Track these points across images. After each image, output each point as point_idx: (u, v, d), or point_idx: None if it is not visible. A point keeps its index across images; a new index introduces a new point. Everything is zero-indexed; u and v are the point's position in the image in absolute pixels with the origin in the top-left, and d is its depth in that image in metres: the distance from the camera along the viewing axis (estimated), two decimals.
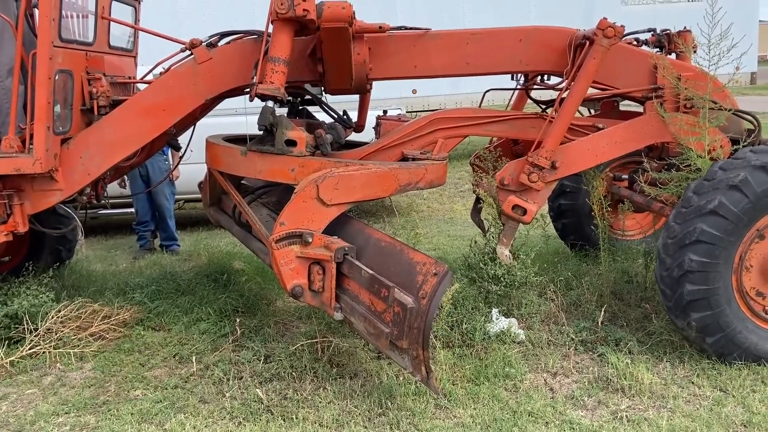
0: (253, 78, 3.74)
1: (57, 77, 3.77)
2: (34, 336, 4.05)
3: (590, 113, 5.05)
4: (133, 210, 7.27)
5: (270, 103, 3.73)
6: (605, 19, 3.84)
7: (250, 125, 4.48)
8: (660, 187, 4.22)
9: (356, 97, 4.72)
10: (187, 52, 4.10)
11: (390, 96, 10.87)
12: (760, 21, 15.61)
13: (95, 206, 6.41)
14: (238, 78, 4.10)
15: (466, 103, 12.63)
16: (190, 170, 6.32)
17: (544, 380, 3.65)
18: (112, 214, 8.04)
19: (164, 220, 6.86)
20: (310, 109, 4.81)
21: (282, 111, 4.09)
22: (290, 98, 4.43)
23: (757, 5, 13.58)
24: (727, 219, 3.49)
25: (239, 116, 5.78)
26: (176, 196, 7.18)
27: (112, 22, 4.50)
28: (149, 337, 4.32)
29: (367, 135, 5.00)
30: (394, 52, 4.23)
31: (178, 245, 6.94)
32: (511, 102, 5.23)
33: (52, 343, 4.07)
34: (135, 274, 5.74)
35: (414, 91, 12.42)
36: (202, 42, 4.06)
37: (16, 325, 4.09)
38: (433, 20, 6.81)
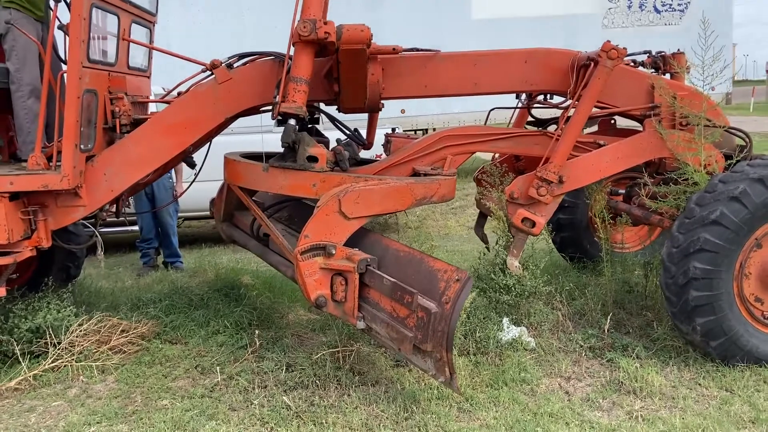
0: (275, 97, 3.90)
1: (84, 96, 3.89)
2: (57, 350, 4.11)
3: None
4: (129, 228, 7.34)
5: (292, 122, 3.88)
6: (609, 42, 4.08)
7: (266, 143, 4.63)
8: (659, 200, 4.45)
9: (364, 116, 4.89)
10: (207, 73, 4.26)
11: (380, 116, 11.10)
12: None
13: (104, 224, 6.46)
14: (256, 97, 4.25)
15: (454, 122, 12.93)
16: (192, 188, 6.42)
17: (559, 384, 3.81)
18: (107, 232, 8.07)
19: (168, 237, 6.94)
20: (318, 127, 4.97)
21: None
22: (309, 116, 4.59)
23: (731, 27, 14.16)
24: (728, 228, 3.71)
25: (253, 134, 5.93)
26: (179, 214, 7.27)
27: (130, 44, 4.63)
28: (168, 350, 4.40)
29: (374, 151, 5.17)
30: (406, 73, 4.42)
31: (182, 262, 7.01)
32: (513, 120, 5.45)
33: (74, 357, 4.13)
34: (144, 290, 5.80)
35: (402, 111, 12.68)
36: (222, 63, 4.22)
37: (38, 339, 4.15)
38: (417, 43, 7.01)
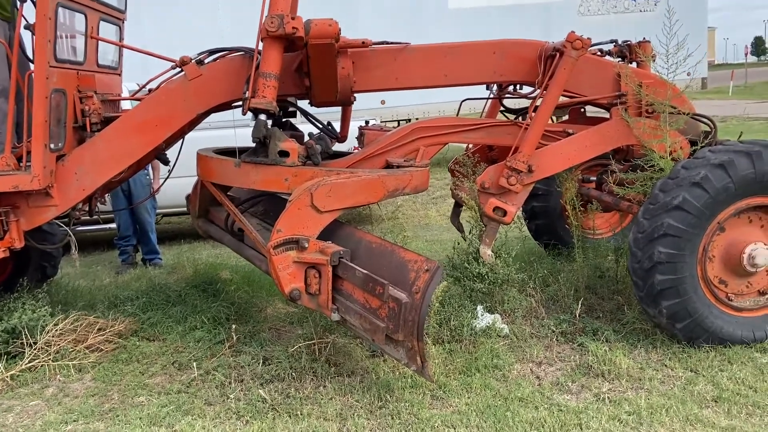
0: (245, 93, 3.92)
1: (52, 96, 3.88)
2: (33, 350, 4.12)
3: (554, 120, 5.33)
4: (107, 226, 7.33)
5: (263, 117, 3.90)
6: (573, 32, 4.14)
7: (238, 138, 4.65)
8: (627, 187, 4.53)
9: (338, 109, 4.93)
10: (177, 69, 4.26)
11: (360, 107, 11.13)
12: (708, 27, 16.41)
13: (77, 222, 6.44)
14: (227, 93, 4.26)
15: (434, 112, 12.99)
16: (168, 184, 6.42)
17: (530, 369, 3.90)
18: (85, 230, 8.04)
19: (146, 234, 6.94)
20: (293, 120, 4.99)
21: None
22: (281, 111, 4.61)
23: (706, 13, 14.32)
24: (690, 213, 3.80)
25: (226, 129, 5.94)
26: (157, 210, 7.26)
27: (99, 42, 4.61)
28: (145, 347, 4.42)
29: (348, 144, 5.21)
30: (376, 66, 4.45)
31: (161, 258, 7.02)
32: (485, 111, 5.51)
33: (51, 356, 4.14)
34: (122, 287, 5.81)
35: (383, 102, 12.70)
36: (191, 59, 4.22)
37: (14, 340, 4.15)
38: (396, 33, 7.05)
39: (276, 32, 3.75)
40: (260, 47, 3.92)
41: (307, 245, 3.57)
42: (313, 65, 4.14)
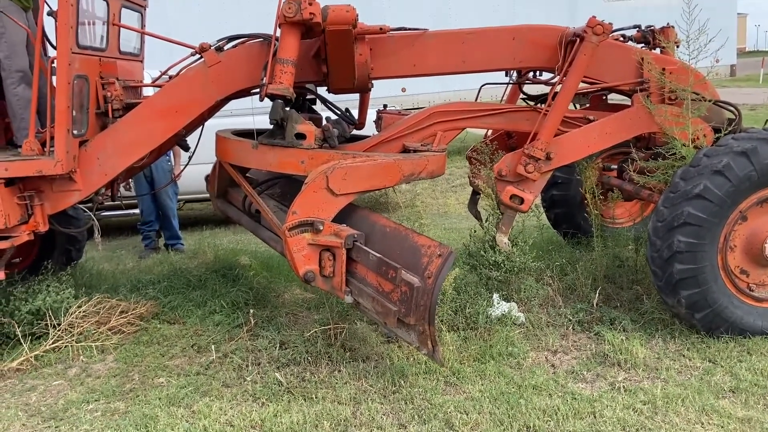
0: (262, 79, 3.94)
1: (75, 82, 3.95)
2: (57, 331, 4.23)
3: (575, 107, 5.27)
4: (131, 211, 7.46)
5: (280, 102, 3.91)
6: (594, 17, 4.08)
7: (257, 125, 4.68)
8: (648, 175, 4.47)
9: (356, 96, 4.93)
10: (197, 56, 4.30)
11: (380, 95, 11.11)
12: (738, 13, 16.01)
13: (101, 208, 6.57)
14: (246, 79, 4.29)
15: (455, 99, 12.91)
16: (190, 171, 6.49)
17: (545, 358, 3.89)
18: (110, 216, 8.19)
19: (168, 220, 7.04)
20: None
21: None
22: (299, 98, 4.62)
23: None
24: (711, 202, 3.74)
25: (246, 116, 5.97)
26: (178, 196, 7.35)
27: (121, 28, 4.67)
28: (166, 329, 4.50)
29: (368, 131, 5.20)
30: (393, 52, 4.44)
31: (183, 244, 7.12)
32: (505, 97, 5.46)
33: (74, 337, 4.24)
34: (144, 271, 5.92)
35: (403, 90, 12.67)
36: (211, 46, 4.25)
37: (39, 321, 4.26)
38: (417, 17, 7.02)
39: (293, 18, 3.76)
40: (278, 33, 3.93)
41: (321, 228, 3.59)
42: (331, 51, 4.14)
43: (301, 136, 3.89)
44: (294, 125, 3.89)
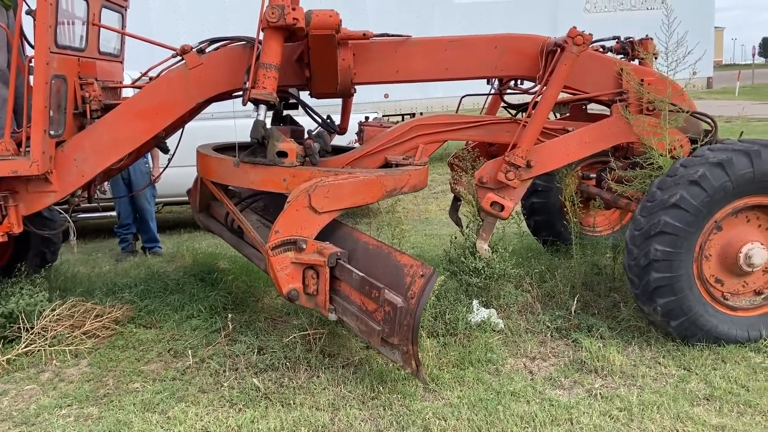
0: (245, 83, 3.92)
1: (52, 82, 3.89)
2: (30, 334, 4.15)
3: (555, 116, 5.32)
4: (108, 213, 7.35)
5: (261, 115, 3.88)
6: (575, 28, 4.12)
7: (238, 128, 4.66)
8: (626, 184, 4.53)
9: (338, 101, 4.92)
10: (178, 58, 4.27)
11: (363, 100, 11.12)
12: (715, 27, 16.32)
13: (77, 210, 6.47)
14: (227, 82, 4.26)
15: (437, 107, 12.98)
16: (168, 174, 6.42)
17: (524, 364, 3.90)
18: (86, 218, 8.06)
19: (146, 223, 6.95)
20: (294, 113, 4.99)
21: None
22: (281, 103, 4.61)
23: (713, 12, 14.23)
24: (687, 211, 3.80)
25: (227, 119, 5.94)
26: (156, 199, 7.27)
27: (101, 29, 4.62)
28: (142, 334, 4.45)
29: (350, 136, 5.20)
30: (377, 58, 4.45)
31: (161, 247, 7.04)
32: (486, 106, 5.50)
33: (48, 341, 4.16)
34: (121, 275, 5.84)
35: (386, 96, 12.68)
36: (192, 48, 4.22)
37: (11, 324, 4.18)
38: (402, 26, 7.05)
39: (277, 22, 3.75)
40: (261, 37, 3.92)
41: (305, 246, 3.58)
42: (314, 56, 4.13)
43: (282, 154, 3.86)
44: (275, 143, 3.86)
